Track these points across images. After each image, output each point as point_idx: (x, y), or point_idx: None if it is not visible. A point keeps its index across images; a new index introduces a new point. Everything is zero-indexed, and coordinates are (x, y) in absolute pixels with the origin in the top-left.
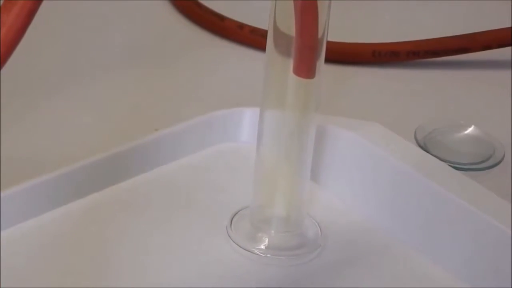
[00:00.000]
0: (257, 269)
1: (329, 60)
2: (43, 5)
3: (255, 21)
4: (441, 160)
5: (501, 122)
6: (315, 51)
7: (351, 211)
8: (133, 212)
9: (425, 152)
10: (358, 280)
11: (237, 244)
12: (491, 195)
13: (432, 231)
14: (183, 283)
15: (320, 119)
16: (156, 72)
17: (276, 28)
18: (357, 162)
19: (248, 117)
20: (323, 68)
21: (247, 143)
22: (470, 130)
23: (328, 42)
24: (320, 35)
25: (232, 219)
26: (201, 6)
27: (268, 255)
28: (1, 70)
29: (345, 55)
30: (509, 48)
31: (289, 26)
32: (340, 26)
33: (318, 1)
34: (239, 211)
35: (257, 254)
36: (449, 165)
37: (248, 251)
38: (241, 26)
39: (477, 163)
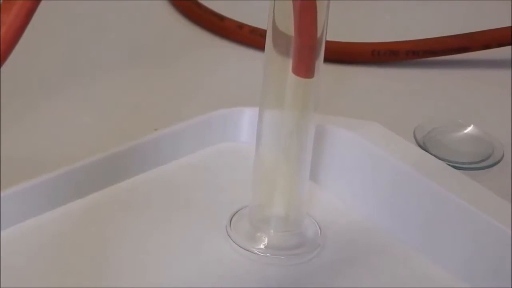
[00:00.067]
0: (257, 268)
1: (328, 59)
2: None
3: (254, 21)
4: (440, 159)
5: (500, 121)
6: (314, 50)
7: (351, 210)
8: (132, 211)
9: (424, 152)
10: (357, 279)
11: (236, 244)
12: (491, 195)
13: (431, 231)
14: (183, 283)
15: (319, 118)
16: (156, 72)
17: (275, 28)
18: (356, 162)
19: (248, 116)
20: (322, 67)
21: (246, 142)
22: (469, 129)
23: (328, 42)
24: (319, 34)
25: (231, 218)
26: (200, 6)
27: (268, 254)
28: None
29: (345, 54)
30: (508, 47)
31: (288, 26)
32: (339, 25)
33: (317, 1)
34: (238, 211)
35: (257, 254)
36: (448, 165)
37: (248, 250)
38: (241, 26)
39: (476, 162)
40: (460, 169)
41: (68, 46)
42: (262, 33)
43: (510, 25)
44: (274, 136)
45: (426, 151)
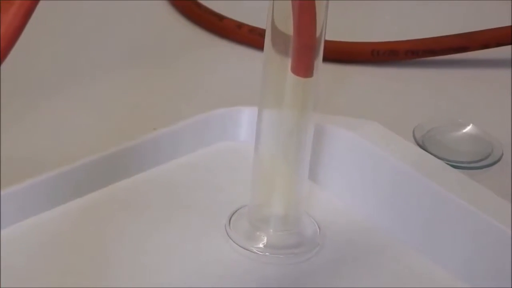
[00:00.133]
0: (256, 267)
1: (328, 59)
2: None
3: (253, 20)
4: (440, 158)
5: (500, 120)
6: (313, 50)
7: (350, 210)
8: (132, 211)
9: (423, 151)
10: (356, 279)
11: (235, 243)
12: (491, 195)
13: (431, 230)
14: (182, 282)
15: (319, 118)
16: (155, 72)
17: (274, 27)
18: (355, 161)
19: (247, 116)
20: (321, 67)
21: (245, 142)
22: (468, 128)
23: (327, 41)
24: (318, 34)
25: (230, 218)
26: (200, 6)
27: (267, 253)
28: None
29: (344, 54)
30: (507, 47)
31: (287, 26)
32: (339, 25)
33: (316, 1)
34: (237, 210)
35: (256, 253)
36: (448, 164)
37: (247, 249)
38: (240, 25)
39: (476, 162)
40: (459, 169)
41: (68, 46)
42: (261, 33)
43: (509, 24)
44: (273, 136)
45: (426, 150)
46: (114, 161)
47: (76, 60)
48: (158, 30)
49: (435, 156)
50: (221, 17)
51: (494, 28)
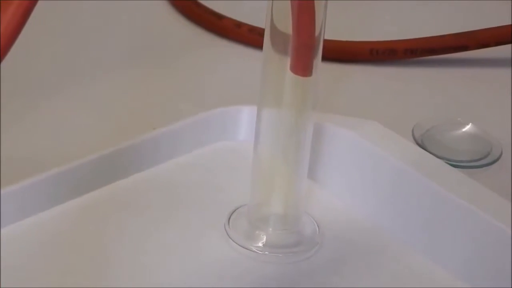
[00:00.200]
0: (255, 266)
1: (326, 58)
2: (43, 5)
3: (253, 20)
4: (439, 157)
5: (499, 119)
6: (312, 49)
7: (349, 209)
8: (131, 210)
9: (423, 150)
10: (355, 278)
11: (235, 242)
12: (491, 194)
13: (431, 230)
14: (181, 281)
15: (318, 117)
16: (155, 72)
17: (273, 27)
18: (355, 160)
19: (246, 115)
20: (320, 66)
21: (244, 141)
22: (467, 127)
23: (326, 41)
24: (317, 33)
25: (230, 217)
26: (199, 6)
27: (266, 252)
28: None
29: (343, 53)
30: (507, 46)
31: (286, 25)
32: (338, 24)
33: (315, 0)
34: (237, 209)
35: (255, 252)
36: (447, 163)
37: (246, 248)
38: (239, 25)
39: (475, 161)
40: (458, 168)
41: (68, 46)
42: (260, 32)
43: (508, 24)
44: (272, 135)
45: (425, 149)
46: (114, 160)
47: (76, 60)
48: (157, 30)
49: (434, 155)
50: (220, 17)
51: (494, 27)
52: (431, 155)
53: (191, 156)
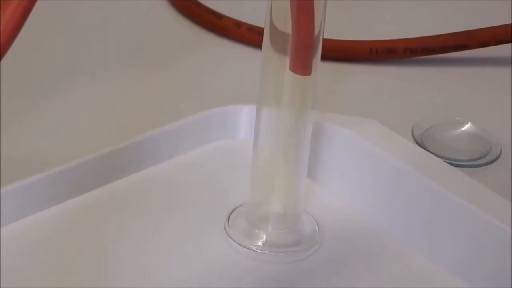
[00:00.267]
0: (255, 265)
1: (326, 57)
2: (43, 4)
3: (252, 19)
4: (438, 156)
5: (498, 119)
6: (312, 48)
7: (349, 208)
8: (130, 209)
9: (422, 149)
10: (355, 277)
11: (234, 241)
12: (491, 193)
13: (430, 229)
14: (181, 280)
15: (317, 116)
16: (155, 71)
17: (272, 26)
18: (354, 159)
19: (245, 114)
20: (319, 65)
21: (244, 140)
22: (467, 127)
23: (325, 40)
24: (316, 32)
25: (229, 216)
26: (198, 5)
27: (266, 251)
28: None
29: (342, 52)
30: (506, 45)
31: (286, 24)
32: (337, 23)
33: (314, 0)
34: (236, 208)
35: (255, 251)
36: (446, 162)
37: (246, 248)
38: (238, 24)
39: (474, 160)
40: (457, 167)
41: (68, 46)
42: (260, 31)
43: (508, 23)
44: (272, 134)
45: (424, 148)
46: (113, 160)
47: (76, 60)
48: (157, 29)
49: (433, 154)
50: (220, 16)
51: (493, 27)
52: (430, 154)
53: (191, 156)
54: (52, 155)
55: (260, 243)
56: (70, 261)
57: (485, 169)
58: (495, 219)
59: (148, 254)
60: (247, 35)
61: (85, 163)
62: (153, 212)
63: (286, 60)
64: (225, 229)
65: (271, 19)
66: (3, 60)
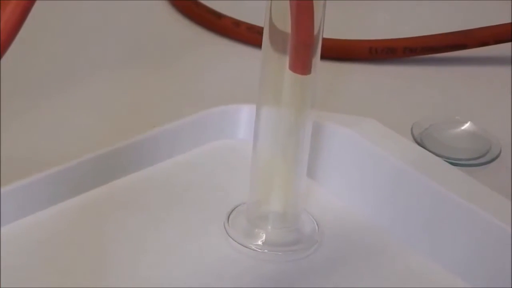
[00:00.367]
0: (254, 264)
1: (325, 57)
2: (43, 4)
3: (252, 18)
4: (438, 156)
5: (498, 118)
6: (311, 47)
7: (348, 207)
8: (130, 209)
9: (422, 148)
10: (355, 277)
11: (234, 240)
12: (491, 193)
13: (430, 228)
14: (181, 280)
15: (317, 115)
16: (155, 71)
17: (272, 25)
18: (354, 159)
19: (245, 114)
20: (319, 64)
21: (243, 140)
22: (466, 126)
23: (325, 39)
24: (316, 32)
25: (229, 215)
26: (198, 5)
27: (265, 251)
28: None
29: (342, 52)
30: (506, 44)
31: (285, 24)
32: (337, 23)
33: (313, 0)
34: (236, 208)
35: (254, 250)
36: (446, 161)
37: (245, 247)
38: (238, 23)
39: (474, 159)
40: (457, 166)
41: (68, 46)
42: (259, 31)
43: (507, 22)
44: (271, 133)
45: (424, 147)
46: (113, 159)
47: (76, 60)
48: (157, 29)
49: (433, 153)
50: (219, 16)
51: (493, 26)
52: (429, 153)
53: (190, 155)
54: (52, 155)
55: (260, 242)
56: (70, 260)
57: (485, 168)
58: (495, 218)
59: (148, 253)
60: (247, 35)
61: (84, 163)
62: (153, 211)
63: (286, 60)
64: (225, 228)
65: (270, 18)
66: (3, 59)
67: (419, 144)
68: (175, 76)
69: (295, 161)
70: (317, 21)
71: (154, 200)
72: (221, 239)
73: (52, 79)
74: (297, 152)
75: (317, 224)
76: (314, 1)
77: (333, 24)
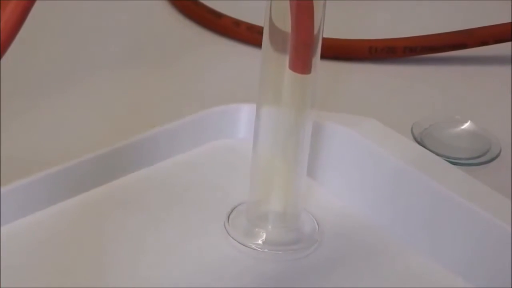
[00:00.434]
0: (255, 264)
1: (325, 56)
2: (43, 4)
3: (252, 18)
4: (438, 155)
5: (498, 117)
6: (311, 47)
7: (348, 207)
8: (130, 209)
9: (422, 148)
10: (354, 276)
11: (234, 240)
12: (491, 192)
13: (430, 228)
14: (181, 279)
15: (317, 115)
16: (155, 71)
17: (272, 25)
18: (354, 158)
19: (245, 113)
20: (319, 64)
21: (243, 139)
22: (466, 125)
23: (325, 39)
24: (316, 31)
25: (229, 215)
26: (198, 4)
27: (266, 250)
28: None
29: (342, 51)
30: (506, 44)
31: (285, 23)
32: (336, 22)
33: (313, 0)
34: (236, 207)
35: (255, 249)
36: (446, 160)
37: (246, 246)
38: (238, 23)
39: (474, 158)
40: (457, 165)
41: (68, 45)
42: (259, 30)
43: (507, 21)
44: (271, 133)
45: (424, 147)
46: (113, 159)
47: (76, 60)
48: (157, 29)
49: (433, 153)
50: (219, 15)
51: (493, 25)
52: (430, 152)
53: (190, 155)
54: (52, 155)
55: (260, 242)
56: (70, 260)
57: (485, 168)
58: (495, 217)
59: (148, 253)
60: (247, 34)
61: (84, 163)
62: (153, 211)
63: (286, 59)
64: (225, 227)
65: (270, 18)
66: (3, 59)
67: (419, 143)
68: (175, 76)
69: (295, 160)
70: (317, 21)
71: (154, 200)
72: (221, 238)
73: (52, 79)
74: (297, 151)
75: (317, 224)
76: (314, 1)
77: (333, 23)
